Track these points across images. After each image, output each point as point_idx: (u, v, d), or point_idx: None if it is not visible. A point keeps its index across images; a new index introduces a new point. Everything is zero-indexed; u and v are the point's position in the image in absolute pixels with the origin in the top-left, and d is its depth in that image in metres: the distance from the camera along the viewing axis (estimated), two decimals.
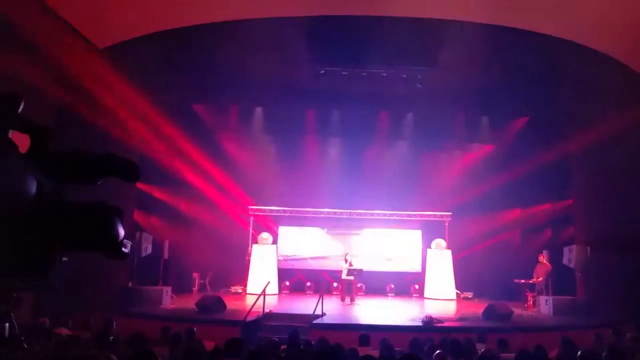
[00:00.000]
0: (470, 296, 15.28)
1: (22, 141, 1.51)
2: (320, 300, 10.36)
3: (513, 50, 11.75)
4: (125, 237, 1.63)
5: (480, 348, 6.02)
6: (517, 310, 11.27)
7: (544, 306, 11.85)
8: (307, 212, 16.47)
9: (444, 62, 11.98)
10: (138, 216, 13.55)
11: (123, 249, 1.60)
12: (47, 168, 1.51)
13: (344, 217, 16.61)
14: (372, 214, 16.54)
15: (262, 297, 10.22)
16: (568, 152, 14.21)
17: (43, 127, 1.56)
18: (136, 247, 11.76)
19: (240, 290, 15.04)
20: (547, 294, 12.29)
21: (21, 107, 1.54)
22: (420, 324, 9.59)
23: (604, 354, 5.43)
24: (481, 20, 10.53)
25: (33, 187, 1.43)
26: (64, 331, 6.39)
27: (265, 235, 15.61)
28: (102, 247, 1.55)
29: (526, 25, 10.76)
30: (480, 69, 11.98)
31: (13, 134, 1.51)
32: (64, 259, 1.55)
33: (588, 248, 12.04)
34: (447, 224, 15.99)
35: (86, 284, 9.92)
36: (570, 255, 12.07)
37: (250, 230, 15.73)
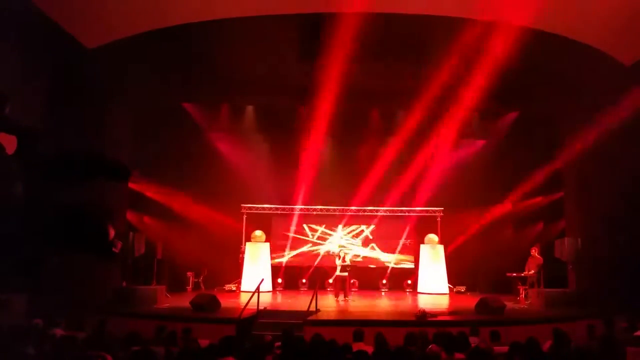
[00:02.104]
0: (463, 290, 15.37)
1: (9, 142, 1.51)
2: (314, 297, 10.39)
3: (502, 46, 11.79)
4: (115, 237, 1.63)
5: (474, 341, 6.07)
6: (509, 304, 11.33)
7: (536, 299, 11.93)
8: (300, 209, 16.49)
9: (434, 59, 12.02)
10: (131, 216, 13.51)
11: (112, 250, 1.60)
12: (35, 169, 1.51)
13: (337, 213, 16.65)
14: (364, 211, 16.59)
15: (256, 294, 10.22)
16: (558, 146, 14.31)
17: (30, 128, 1.56)
18: (129, 247, 11.72)
19: (234, 288, 15.04)
20: (539, 287, 12.37)
21: (7, 109, 1.53)
22: (413, 318, 9.63)
23: (595, 345, 5.50)
24: (470, 16, 10.57)
25: (20, 189, 1.43)
26: (59, 332, 6.37)
27: (258, 232, 15.61)
28: (92, 247, 1.55)
29: (515, 20, 10.79)
30: (470, 65, 12.01)
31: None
32: (54, 259, 1.55)
33: (579, 240, 12.13)
34: (439, 219, 16.07)
35: (80, 284, 9.89)
36: (562, 248, 12.16)
37: (244, 228, 15.72)
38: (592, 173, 12.74)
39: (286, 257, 16.91)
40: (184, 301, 11.21)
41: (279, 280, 16.03)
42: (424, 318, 9.46)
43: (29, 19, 8.92)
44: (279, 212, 16.51)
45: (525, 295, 12.68)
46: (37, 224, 1.46)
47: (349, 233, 17.25)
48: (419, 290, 15.53)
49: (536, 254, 12.86)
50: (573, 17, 10.49)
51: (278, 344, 5.75)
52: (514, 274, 13.14)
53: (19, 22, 8.60)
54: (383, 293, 15.86)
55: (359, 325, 7.02)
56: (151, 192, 14.12)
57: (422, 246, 15.89)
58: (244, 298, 11.76)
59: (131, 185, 12.91)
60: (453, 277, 15.52)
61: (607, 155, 11.99)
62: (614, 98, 11.58)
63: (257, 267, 14.82)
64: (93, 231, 1.53)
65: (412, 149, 16.48)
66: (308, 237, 17.22)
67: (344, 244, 16.63)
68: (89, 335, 6.14)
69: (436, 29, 10.93)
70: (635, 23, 10.14)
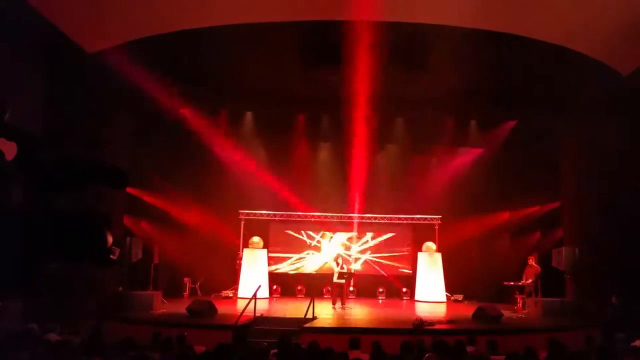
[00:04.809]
0: (460, 299, 15.34)
1: (8, 149, 1.51)
2: (311, 304, 10.36)
3: (501, 55, 11.86)
4: (113, 244, 1.63)
5: (470, 350, 6.06)
6: (506, 313, 11.33)
7: (533, 308, 11.93)
8: (298, 215, 16.48)
9: (432, 67, 12.07)
10: (128, 221, 13.48)
11: (111, 257, 1.60)
12: (34, 175, 1.51)
13: (335, 220, 16.64)
14: (362, 218, 16.58)
15: (253, 301, 10.19)
16: (556, 155, 14.34)
17: (30, 134, 1.56)
18: (126, 253, 11.69)
19: (231, 295, 14.99)
20: (536, 296, 12.37)
21: (7, 114, 1.54)
22: (410, 326, 9.61)
23: (593, 356, 5.49)
24: (470, 25, 10.62)
25: (19, 196, 1.43)
26: (54, 337, 6.34)
27: (256, 239, 15.57)
28: (90, 255, 1.55)
29: (514, 30, 10.85)
30: (469, 73, 12.08)
31: None
32: (51, 267, 1.55)
33: (576, 250, 12.14)
34: (437, 227, 16.06)
35: (76, 290, 9.86)
36: (559, 257, 12.16)
37: (241, 234, 15.69)
38: (589, 182, 12.76)
39: (285, 265, 16.90)
40: (180, 307, 11.17)
41: (274, 287, 16.01)
42: (421, 326, 9.44)
43: (29, 23, 8.93)
44: (277, 218, 16.48)
45: (522, 304, 12.67)
46: (35, 230, 1.46)
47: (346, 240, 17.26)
48: (416, 298, 15.49)
49: (533, 263, 12.86)
50: (571, 26, 10.54)
51: (274, 351, 5.72)
52: (512, 283, 13.13)
53: (19, 26, 8.61)
54: (380, 301, 15.83)
55: (356, 333, 7.02)
56: (149, 197, 14.10)
57: (419, 254, 15.86)
58: (240, 304, 11.72)
59: (129, 190, 12.90)
60: (450, 285, 15.49)
61: (605, 163, 12.01)
62: (612, 107, 11.65)
63: (254, 273, 14.77)
64: (91, 238, 1.53)
65: (410, 157, 16.57)
66: (306, 243, 17.22)
67: (341, 251, 16.63)
68: (84, 340, 6.11)
69: (436, 38, 10.99)
70: (632, 33, 10.20)
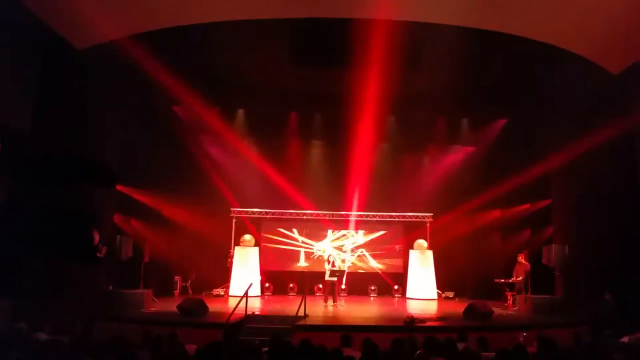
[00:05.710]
0: (451, 296, 15.42)
1: None
2: (303, 302, 10.36)
3: (493, 53, 11.91)
4: (100, 242, 1.61)
5: (461, 347, 6.08)
6: (497, 310, 11.41)
7: (523, 305, 12.01)
8: (290, 213, 16.47)
9: (424, 65, 12.10)
10: (118, 219, 13.39)
11: (97, 254, 1.58)
12: (20, 173, 1.49)
13: (327, 218, 16.65)
14: (354, 216, 16.60)
15: (244, 299, 10.18)
16: (547, 153, 14.41)
17: (15, 130, 1.54)
18: (116, 251, 11.61)
19: (222, 293, 14.97)
20: (526, 293, 12.46)
21: None
22: (402, 324, 9.64)
23: (581, 352, 5.53)
24: (461, 24, 10.65)
25: (4, 192, 1.41)
26: (43, 336, 6.28)
27: (247, 237, 15.55)
28: (76, 252, 1.53)
29: (505, 28, 10.89)
30: (460, 72, 12.10)
31: None
32: (36, 263, 1.53)
33: (566, 247, 12.22)
34: (428, 224, 16.13)
35: (66, 288, 9.78)
36: (549, 255, 12.24)
37: (233, 232, 15.66)
38: (579, 180, 12.84)
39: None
40: (171, 305, 11.13)
41: (267, 285, 16.00)
42: (412, 323, 9.47)
43: (18, 18, 8.84)
44: (268, 216, 16.46)
45: (512, 302, 12.75)
46: (20, 228, 1.44)
47: (337, 239, 17.26)
48: (407, 295, 15.56)
49: (523, 261, 12.94)
50: (561, 25, 10.59)
51: (266, 349, 5.71)
52: (502, 280, 13.21)
53: (8, 22, 8.52)
54: (372, 298, 15.87)
55: (348, 331, 7.01)
56: (139, 195, 14.01)
57: (411, 251, 15.93)
58: (232, 303, 11.70)
59: (119, 187, 12.81)
60: (442, 282, 15.57)
61: (595, 161, 12.09)
62: (602, 106, 11.73)
63: (245, 271, 14.75)
64: (77, 235, 1.52)
65: (402, 155, 16.61)
66: (297, 241, 17.22)
67: (333, 250, 16.67)
68: (74, 340, 6.06)
69: (428, 37, 11.01)
70: (622, 32, 10.26)
